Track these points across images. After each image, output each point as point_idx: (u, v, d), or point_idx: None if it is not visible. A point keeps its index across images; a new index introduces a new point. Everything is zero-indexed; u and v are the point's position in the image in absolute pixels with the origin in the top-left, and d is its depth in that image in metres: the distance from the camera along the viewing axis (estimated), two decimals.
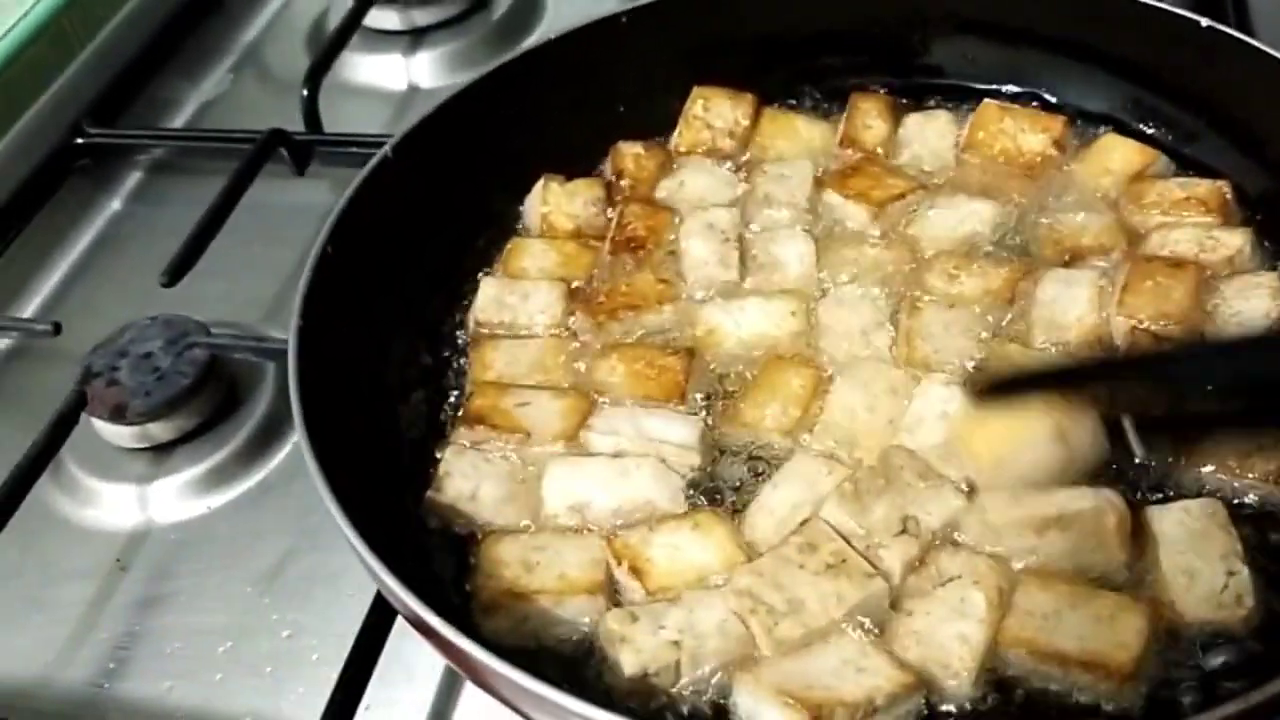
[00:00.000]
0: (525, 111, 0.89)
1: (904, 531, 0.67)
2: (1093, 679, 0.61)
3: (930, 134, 0.89)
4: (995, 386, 0.68)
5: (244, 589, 0.82)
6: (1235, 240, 0.79)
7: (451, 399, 0.80)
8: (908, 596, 0.65)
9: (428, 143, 0.83)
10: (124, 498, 0.88)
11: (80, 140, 1.15)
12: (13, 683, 0.79)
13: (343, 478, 0.64)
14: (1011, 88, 0.92)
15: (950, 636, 0.63)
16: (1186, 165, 0.87)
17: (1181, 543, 0.65)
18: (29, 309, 1.05)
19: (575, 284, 0.83)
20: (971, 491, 0.68)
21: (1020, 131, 0.87)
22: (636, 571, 0.66)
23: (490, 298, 0.81)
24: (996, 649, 0.63)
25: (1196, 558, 0.64)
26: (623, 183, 0.90)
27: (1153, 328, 0.75)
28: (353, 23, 1.17)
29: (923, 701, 0.62)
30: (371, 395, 0.76)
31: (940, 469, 0.69)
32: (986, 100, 0.90)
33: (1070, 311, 0.77)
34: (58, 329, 0.94)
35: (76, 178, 1.15)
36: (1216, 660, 0.63)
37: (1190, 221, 0.81)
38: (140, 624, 0.82)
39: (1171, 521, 0.66)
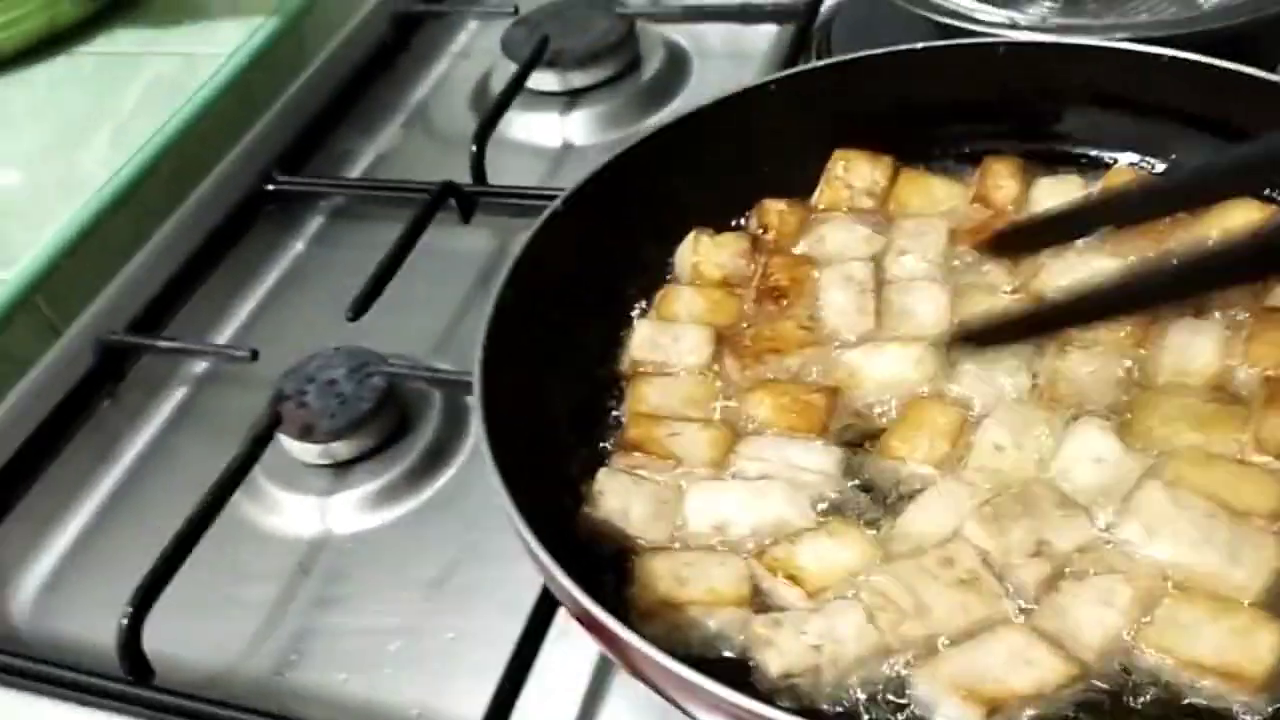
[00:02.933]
0: (679, 170, 0.96)
1: (1038, 554, 0.71)
2: (1227, 688, 0.65)
3: (1060, 196, 0.94)
4: (975, 334, 0.79)
5: (412, 594, 0.90)
6: None
7: (607, 428, 0.87)
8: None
9: (592, 197, 0.91)
10: (307, 509, 0.97)
11: (270, 186, 1.27)
12: (207, 669, 0.88)
13: (516, 494, 0.72)
14: (1140, 157, 0.97)
15: (1089, 618, 0.68)
16: None
17: None
18: (223, 337, 1.16)
19: (723, 329, 0.89)
20: (1113, 525, 0.73)
21: None
22: (794, 579, 0.72)
23: (645, 338, 0.89)
24: (1132, 648, 0.68)
25: None
26: (767, 236, 0.96)
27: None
28: (517, 85, 1.27)
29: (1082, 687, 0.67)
30: (537, 422, 0.83)
31: (1087, 506, 0.74)
32: (1116, 166, 0.94)
33: (1197, 359, 0.81)
34: (255, 355, 1.05)
35: (265, 220, 1.27)
36: None
37: None
38: (318, 622, 0.90)
39: None
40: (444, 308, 1.13)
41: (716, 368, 0.87)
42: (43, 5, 1.50)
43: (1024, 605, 0.70)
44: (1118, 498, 0.74)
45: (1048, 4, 1.16)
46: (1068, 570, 0.71)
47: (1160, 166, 0.95)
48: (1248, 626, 0.67)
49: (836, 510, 0.78)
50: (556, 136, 1.32)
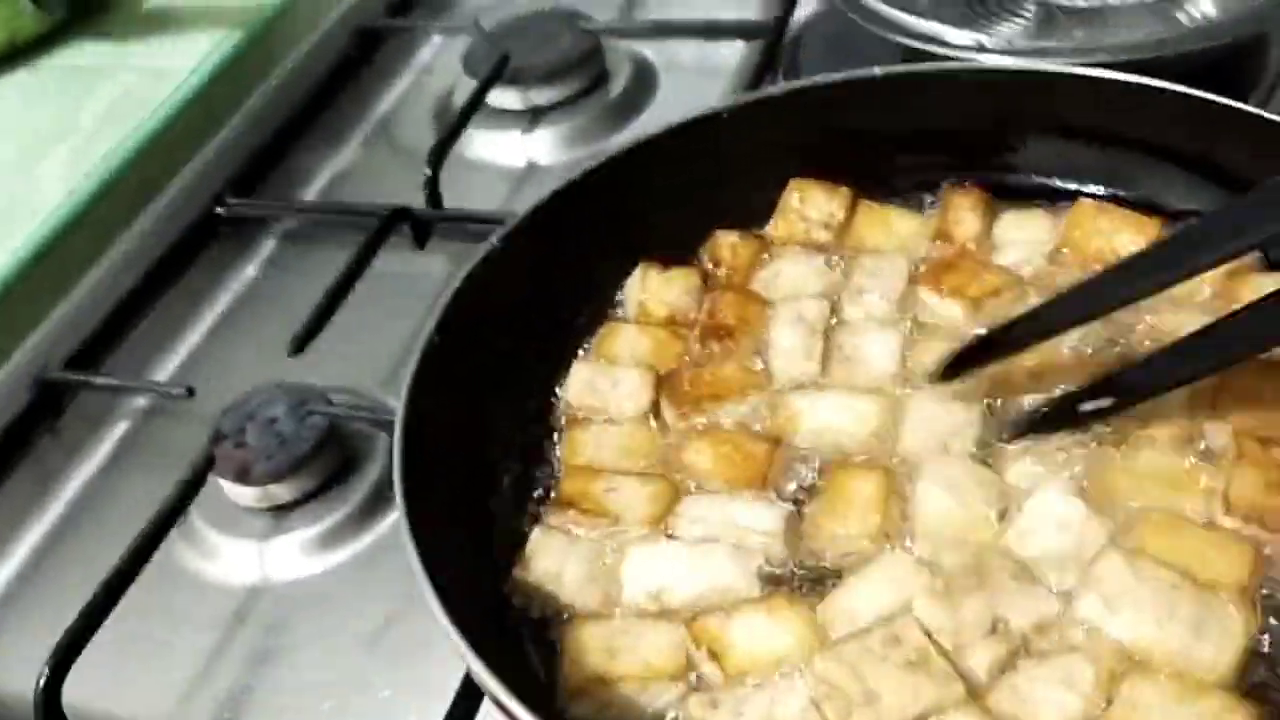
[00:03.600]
0: (629, 200, 0.92)
1: (994, 631, 0.67)
2: None
3: (1025, 231, 0.90)
4: (951, 367, 0.77)
5: (350, 647, 0.87)
6: None
7: (545, 476, 0.83)
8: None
9: (533, 233, 0.87)
10: (244, 554, 0.94)
11: (220, 210, 1.23)
12: None
13: (440, 561, 0.68)
14: (1106, 189, 0.92)
15: (1048, 701, 0.63)
16: (1275, 266, 0.86)
17: None
18: (168, 368, 1.13)
19: (664, 372, 0.85)
20: (1068, 596, 0.68)
21: (1116, 232, 0.87)
22: (715, 655, 0.68)
23: (582, 382, 0.85)
24: None
25: None
26: (719, 271, 0.92)
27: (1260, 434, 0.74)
28: (475, 103, 1.23)
29: None
30: (471, 474, 0.80)
31: (1045, 576, 0.69)
32: (1082, 199, 0.90)
33: (1163, 412, 0.76)
34: (191, 392, 1.02)
35: (218, 243, 1.23)
36: None
37: None
38: (253, 677, 0.87)
39: None
40: (395, 337, 1.09)
41: (657, 414, 0.83)
42: (3, 20, 1.46)
43: (978, 686, 0.66)
44: (1080, 566, 0.69)
45: (1018, 22, 1.12)
46: (1026, 648, 0.66)
47: (1130, 201, 0.91)
48: (1217, 712, 0.63)
49: (780, 580, 0.73)
50: (520, 155, 1.29)
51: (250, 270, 1.22)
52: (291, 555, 0.94)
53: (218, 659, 0.89)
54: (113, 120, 1.35)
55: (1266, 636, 0.67)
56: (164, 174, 1.28)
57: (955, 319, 0.85)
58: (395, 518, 0.94)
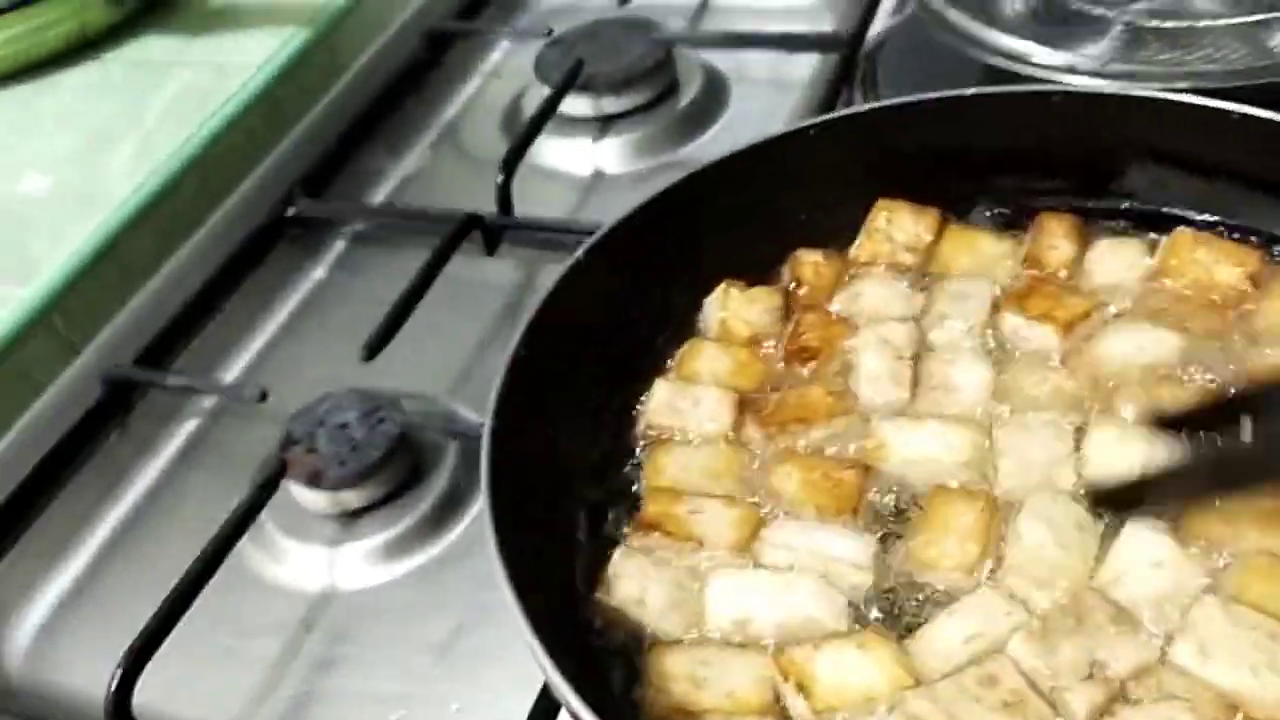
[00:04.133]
0: (711, 217, 0.91)
1: (1091, 676, 0.65)
2: None
3: (1119, 259, 0.88)
4: (1116, 494, 0.71)
5: (417, 658, 0.86)
6: None
7: (626, 496, 0.82)
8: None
9: (618, 246, 0.86)
10: (313, 560, 0.94)
11: (291, 211, 1.23)
12: None
13: (522, 574, 0.67)
14: (1201, 215, 0.90)
15: None
16: None
17: None
18: (236, 369, 1.13)
19: (746, 392, 0.84)
20: (1168, 642, 0.67)
21: (1215, 263, 0.85)
22: (802, 689, 0.67)
23: (663, 401, 0.84)
24: None
25: None
26: (800, 291, 0.91)
27: None
28: (548, 110, 1.23)
29: None
30: (553, 491, 0.79)
31: (1143, 620, 0.68)
32: (1181, 228, 0.88)
33: None
34: (264, 396, 1.01)
35: (287, 244, 1.23)
36: None
37: None
38: (319, 684, 0.87)
39: None
40: (466, 343, 1.09)
41: (740, 435, 0.82)
42: (74, 10, 1.47)
43: None
44: (1177, 609, 0.67)
45: (1109, 43, 1.10)
46: (1124, 695, 0.65)
47: (1227, 230, 0.89)
48: None
49: (868, 613, 0.72)
50: (588, 164, 1.28)
51: (319, 272, 1.22)
52: (360, 562, 0.93)
53: (285, 665, 0.88)
54: (178, 115, 1.36)
55: None
56: (233, 172, 1.29)
57: (1045, 344, 0.83)
58: (464, 528, 0.94)
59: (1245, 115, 0.85)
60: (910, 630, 0.70)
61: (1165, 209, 0.91)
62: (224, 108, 1.36)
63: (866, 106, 0.99)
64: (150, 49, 1.51)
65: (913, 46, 1.21)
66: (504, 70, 1.44)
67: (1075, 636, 0.66)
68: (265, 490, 0.92)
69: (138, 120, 1.37)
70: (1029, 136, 0.92)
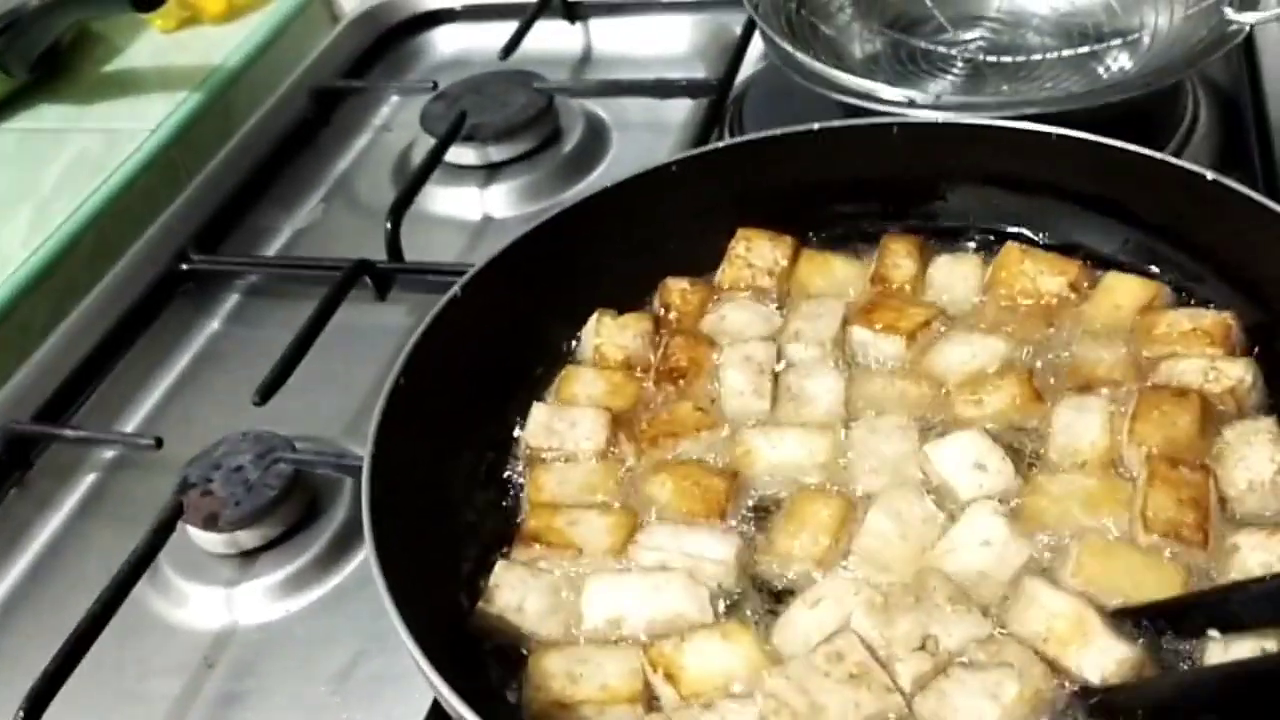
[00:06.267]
0: (582, 251, 0.97)
1: (922, 648, 0.71)
2: None
3: (957, 274, 0.95)
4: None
5: (318, 688, 0.89)
6: (1236, 371, 0.83)
7: (508, 515, 0.87)
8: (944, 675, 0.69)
9: (493, 281, 0.91)
10: (213, 599, 0.96)
11: (185, 266, 1.26)
12: None
13: (407, 597, 0.71)
14: (1030, 232, 0.98)
15: (968, 709, 0.67)
16: (1186, 304, 0.92)
17: None
18: (135, 420, 1.15)
19: (621, 412, 0.89)
20: (998, 619, 0.73)
21: (1039, 273, 0.93)
22: (670, 678, 0.72)
23: (540, 423, 0.89)
24: None
25: None
26: (670, 316, 0.97)
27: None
28: (434, 160, 1.28)
29: None
30: (436, 513, 0.83)
31: (973, 596, 0.74)
32: (1010, 243, 0.96)
33: (1084, 436, 0.82)
34: (159, 443, 1.04)
35: (181, 299, 1.26)
36: None
37: (1195, 353, 0.85)
38: (224, 719, 0.89)
39: None
40: (360, 386, 1.13)
41: (615, 451, 0.87)
42: None
43: (910, 695, 0.70)
44: (1004, 583, 0.74)
45: (948, 79, 1.19)
46: (962, 659, 0.70)
47: (1052, 243, 0.97)
48: None
49: (735, 608, 0.77)
50: (477, 209, 1.33)
51: (215, 325, 1.25)
52: (260, 599, 0.96)
53: (188, 703, 0.91)
54: (73, 181, 1.38)
55: None
56: (128, 232, 1.31)
57: (892, 354, 0.90)
58: (360, 560, 0.98)
59: (1062, 136, 0.94)
60: (773, 616, 0.76)
61: (999, 226, 1.00)
62: (118, 172, 1.39)
63: (722, 143, 1.06)
64: (44, 117, 1.53)
65: (777, 91, 1.29)
66: (394, 124, 1.49)
67: (912, 612, 0.72)
68: (162, 533, 0.95)
69: (33, 188, 1.39)
70: (873, 166, 1.00)
